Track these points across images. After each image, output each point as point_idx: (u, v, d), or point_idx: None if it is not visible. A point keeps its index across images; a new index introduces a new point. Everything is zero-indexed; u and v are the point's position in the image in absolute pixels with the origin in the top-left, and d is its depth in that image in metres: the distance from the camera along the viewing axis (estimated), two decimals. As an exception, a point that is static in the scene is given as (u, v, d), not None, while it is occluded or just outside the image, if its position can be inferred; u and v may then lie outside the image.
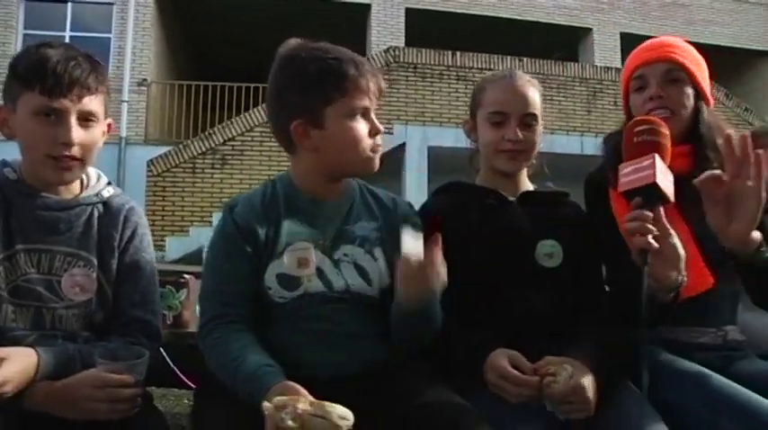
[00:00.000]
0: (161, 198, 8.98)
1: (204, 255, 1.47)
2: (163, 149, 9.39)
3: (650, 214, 1.24)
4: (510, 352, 1.33)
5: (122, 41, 11.16)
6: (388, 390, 1.25)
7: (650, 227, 1.23)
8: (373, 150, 1.35)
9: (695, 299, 1.43)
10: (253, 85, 10.28)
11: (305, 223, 1.36)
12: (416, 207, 1.58)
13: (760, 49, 14.24)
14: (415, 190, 8.70)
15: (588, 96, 10.38)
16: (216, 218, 6.65)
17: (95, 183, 1.46)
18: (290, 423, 1.03)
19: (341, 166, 1.36)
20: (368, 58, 9.83)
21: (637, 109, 1.58)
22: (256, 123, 8.92)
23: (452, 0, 12.70)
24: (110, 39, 11.29)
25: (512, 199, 1.59)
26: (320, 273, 1.32)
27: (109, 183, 1.48)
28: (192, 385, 1.87)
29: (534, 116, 1.57)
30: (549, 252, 1.52)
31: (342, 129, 1.31)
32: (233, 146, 9.04)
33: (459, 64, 9.84)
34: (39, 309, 1.32)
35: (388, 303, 1.34)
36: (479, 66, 9.84)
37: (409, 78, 9.77)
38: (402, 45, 11.26)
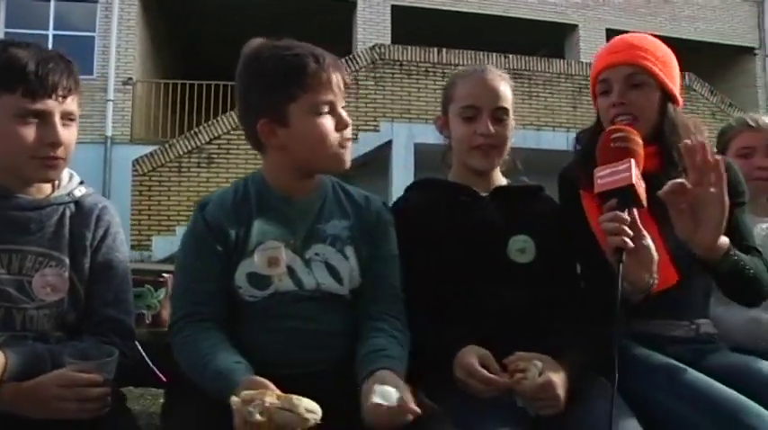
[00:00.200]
0: (147, 197, 8.95)
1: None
2: (149, 149, 9.36)
3: (626, 216, 1.25)
4: (480, 350, 1.33)
5: (107, 40, 11.09)
6: (357, 388, 1.25)
7: (626, 228, 1.24)
8: (341, 145, 1.34)
9: (668, 292, 1.44)
10: (239, 84, 10.23)
11: (276, 222, 1.35)
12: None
13: (745, 45, 14.36)
14: (402, 187, 8.60)
15: (574, 92, 10.42)
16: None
17: (67, 182, 1.45)
18: (257, 416, 1.04)
19: (309, 163, 1.36)
20: (354, 56, 9.84)
21: (603, 112, 1.58)
22: (242, 122, 8.88)
23: (438, -3, 12.73)
24: (94, 37, 11.21)
25: (484, 194, 1.59)
26: (291, 272, 1.32)
27: (81, 183, 1.47)
28: (171, 384, 1.87)
29: (505, 110, 1.58)
30: (521, 247, 1.52)
31: (307, 126, 1.31)
32: (219, 144, 9.01)
33: (444, 61, 9.86)
34: (9, 310, 1.31)
35: (358, 302, 1.34)
36: (465, 62, 9.84)
37: (395, 75, 9.79)
38: (388, 42, 11.26)
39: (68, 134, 1.35)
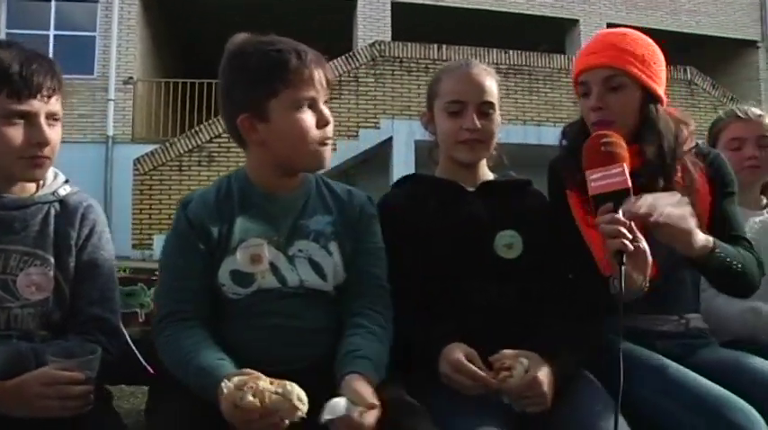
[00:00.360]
0: (148, 197, 8.97)
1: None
2: (150, 148, 9.39)
3: (626, 220, 1.25)
4: (466, 347, 1.32)
5: (107, 40, 11.11)
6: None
7: (625, 231, 1.23)
8: (322, 142, 1.34)
9: (657, 287, 1.42)
10: (239, 82, 10.24)
11: (259, 219, 1.35)
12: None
13: (746, 38, 14.28)
14: (403, 184, 8.67)
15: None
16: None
17: (52, 181, 1.46)
18: (251, 398, 1.05)
19: (290, 160, 1.35)
20: (354, 53, 9.82)
21: (584, 114, 1.56)
22: (242, 120, 8.89)
23: (438, -7, 12.71)
24: (95, 37, 11.23)
25: (471, 190, 1.58)
26: (274, 268, 1.32)
27: (66, 182, 1.48)
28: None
29: (491, 104, 1.56)
30: (508, 243, 1.51)
31: (287, 122, 1.30)
32: (219, 143, 9.02)
33: (444, 57, 9.84)
34: None
35: (342, 297, 1.34)
36: (465, 58, 9.82)
37: (395, 72, 9.78)
38: (389, 39, 11.25)
39: (54, 133, 1.36)
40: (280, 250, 1.33)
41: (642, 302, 1.42)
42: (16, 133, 1.31)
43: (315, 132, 1.32)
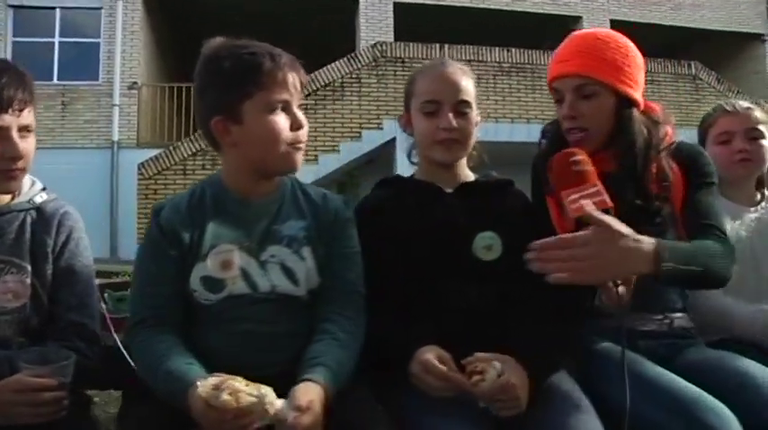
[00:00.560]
0: (153, 201, 9.00)
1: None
2: (155, 152, 9.44)
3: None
4: (439, 350, 1.31)
5: (112, 46, 11.20)
6: None
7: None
8: (294, 145, 1.34)
9: (640, 285, 1.40)
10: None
11: (231, 224, 1.35)
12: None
13: (751, 32, 14.17)
14: (406, 184, 8.68)
15: (578, 85, 10.34)
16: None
17: (28, 189, 1.47)
18: (225, 397, 1.06)
19: (263, 162, 1.35)
20: (356, 54, 9.81)
21: (559, 119, 1.55)
22: (245, 123, 8.92)
23: (440, -7, 12.70)
24: (99, 43, 11.32)
25: (449, 191, 1.58)
26: (245, 274, 1.32)
27: (43, 189, 1.49)
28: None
29: (467, 103, 1.55)
30: (487, 244, 1.50)
31: (260, 124, 1.30)
32: (222, 146, 9.04)
33: (446, 56, 9.82)
34: None
35: (315, 302, 1.35)
36: (467, 58, 9.82)
37: (397, 73, 9.77)
38: (391, 40, 11.25)
39: (27, 145, 1.37)
40: (252, 256, 1.34)
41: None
42: None
43: (287, 134, 1.33)
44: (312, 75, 9.71)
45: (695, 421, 1.23)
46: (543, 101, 10.19)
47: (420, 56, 9.89)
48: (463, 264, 1.48)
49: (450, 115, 1.53)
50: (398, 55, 9.90)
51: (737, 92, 10.99)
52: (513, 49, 10.22)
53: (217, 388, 1.07)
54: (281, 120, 1.32)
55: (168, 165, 9.10)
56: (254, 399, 1.07)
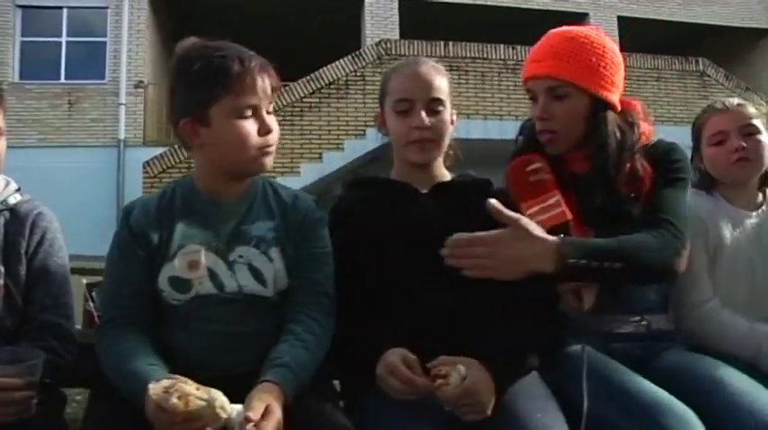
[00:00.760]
0: (158, 199, 9.05)
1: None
2: (162, 150, 9.47)
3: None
4: (406, 352, 1.30)
5: (118, 44, 11.26)
6: None
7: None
8: (262, 150, 1.34)
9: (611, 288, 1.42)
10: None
11: (200, 225, 1.36)
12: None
13: (760, 27, 14.01)
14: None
15: (584, 82, 10.27)
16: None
17: (2, 190, 1.47)
18: (174, 400, 1.06)
19: (231, 165, 1.35)
20: (360, 52, 9.78)
21: (534, 120, 1.54)
22: (249, 122, 8.95)
23: (446, -10, 12.66)
24: (105, 43, 11.38)
25: (424, 191, 1.56)
26: (212, 275, 1.32)
27: (18, 190, 1.50)
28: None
29: (440, 101, 1.54)
30: None
31: (227, 128, 1.30)
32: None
33: (451, 54, 9.80)
34: None
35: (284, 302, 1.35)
36: (472, 55, 9.79)
37: (402, 71, 9.74)
38: (397, 37, 11.23)
39: None
40: (219, 256, 1.34)
41: (601, 301, 1.40)
42: None
43: (255, 140, 1.32)
44: (316, 73, 9.72)
45: (655, 426, 1.22)
46: (549, 98, 10.15)
47: (424, 53, 9.83)
48: (436, 265, 1.46)
49: (423, 113, 1.51)
50: (403, 52, 9.86)
51: (747, 88, 10.87)
52: (519, 47, 10.15)
53: (167, 391, 1.07)
54: (249, 125, 1.31)
55: (173, 163, 9.12)
56: (203, 403, 1.08)
